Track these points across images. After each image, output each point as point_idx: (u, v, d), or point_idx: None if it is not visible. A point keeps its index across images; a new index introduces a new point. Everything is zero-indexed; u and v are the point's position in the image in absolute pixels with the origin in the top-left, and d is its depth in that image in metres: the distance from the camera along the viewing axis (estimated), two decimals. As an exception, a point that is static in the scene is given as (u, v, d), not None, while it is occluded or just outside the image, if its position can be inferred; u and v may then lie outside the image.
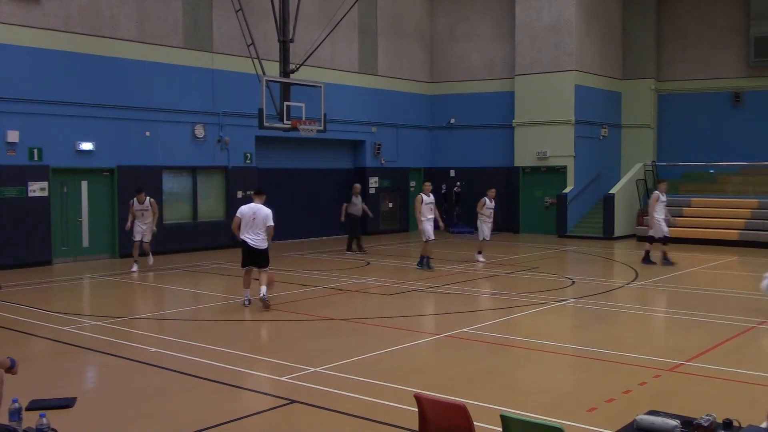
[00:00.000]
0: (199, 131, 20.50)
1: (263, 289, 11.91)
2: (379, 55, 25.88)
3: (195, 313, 12.46)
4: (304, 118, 19.63)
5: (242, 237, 12.16)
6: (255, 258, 12.17)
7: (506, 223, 25.50)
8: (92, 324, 11.11)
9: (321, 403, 7.09)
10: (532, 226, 25.83)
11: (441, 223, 17.78)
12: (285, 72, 20.25)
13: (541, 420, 4.92)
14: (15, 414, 6.03)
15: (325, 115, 20.15)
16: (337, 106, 22.77)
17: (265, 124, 19.00)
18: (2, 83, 16.89)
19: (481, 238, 18.15)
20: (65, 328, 10.65)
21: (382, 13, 25.86)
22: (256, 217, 12.09)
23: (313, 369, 8.32)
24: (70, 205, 18.45)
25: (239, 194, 21.17)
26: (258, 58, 19.59)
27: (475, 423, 4.58)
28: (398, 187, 26.70)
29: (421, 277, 15.54)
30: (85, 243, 18.71)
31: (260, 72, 19.61)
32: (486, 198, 18.17)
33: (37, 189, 17.45)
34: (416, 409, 4.88)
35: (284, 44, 20.25)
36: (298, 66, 20.59)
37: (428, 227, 16.66)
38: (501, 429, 4.48)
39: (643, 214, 23.21)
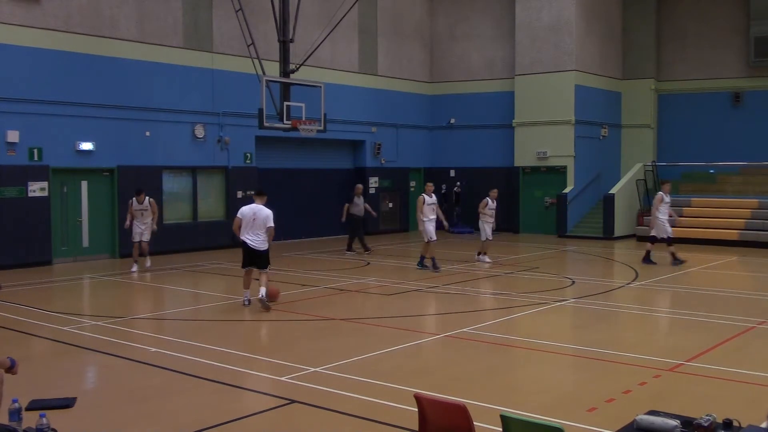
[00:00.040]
0: (199, 131, 20.50)
1: (263, 290, 11.88)
2: (379, 55, 25.88)
3: (195, 313, 12.46)
4: (304, 118, 19.62)
5: (242, 238, 12.16)
6: (255, 259, 12.17)
7: (506, 223, 25.44)
8: (92, 324, 11.11)
9: (321, 403, 7.09)
10: (532, 226, 25.83)
11: (446, 223, 17.77)
12: (285, 72, 20.24)
13: (541, 420, 4.92)
14: (15, 414, 6.03)
15: (325, 115, 20.15)
16: (337, 106, 22.77)
17: (265, 124, 18.99)
18: (2, 83, 16.90)
19: (483, 239, 18.10)
20: (65, 328, 10.66)
21: (382, 13, 25.86)
22: (256, 218, 12.08)
23: (313, 369, 8.32)
24: (70, 205, 18.45)
25: (239, 194, 21.18)
26: (258, 58, 19.59)
27: (475, 423, 4.59)
28: (398, 187, 26.70)
29: (421, 277, 15.55)
30: (85, 243, 18.72)
31: (260, 72, 19.61)
32: (488, 198, 18.14)
33: (37, 189, 17.45)
34: (416, 409, 4.88)
35: (284, 44, 20.25)
36: (298, 66, 20.58)
37: (430, 228, 16.61)
38: (501, 429, 4.48)
39: (644, 214, 23.22)
